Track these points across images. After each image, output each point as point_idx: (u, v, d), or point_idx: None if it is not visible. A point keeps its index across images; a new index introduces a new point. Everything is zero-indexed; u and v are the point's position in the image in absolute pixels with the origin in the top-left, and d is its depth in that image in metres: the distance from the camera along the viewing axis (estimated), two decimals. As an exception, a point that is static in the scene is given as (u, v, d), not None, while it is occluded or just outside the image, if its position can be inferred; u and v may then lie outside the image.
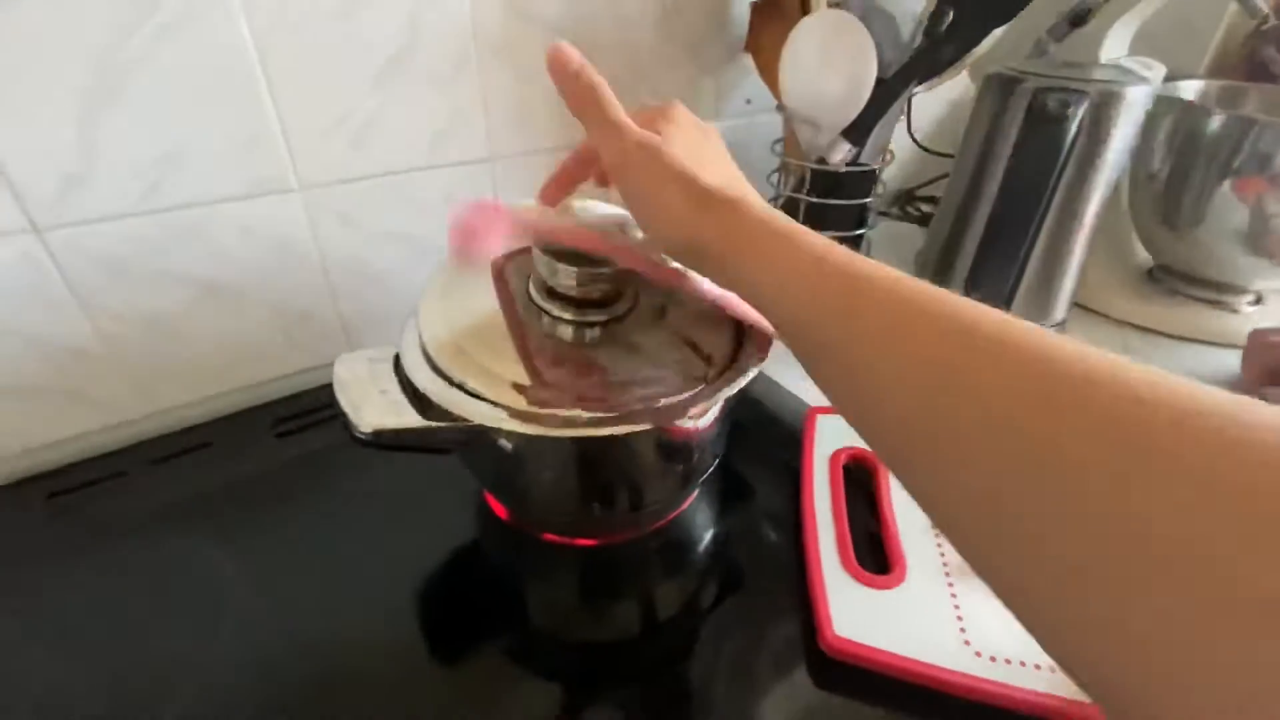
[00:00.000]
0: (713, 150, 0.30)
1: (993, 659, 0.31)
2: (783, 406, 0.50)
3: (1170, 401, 0.14)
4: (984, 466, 0.17)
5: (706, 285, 0.34)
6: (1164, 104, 0.56)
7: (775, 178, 0.57)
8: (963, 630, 0.32)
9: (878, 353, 0.21)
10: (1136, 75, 0.51)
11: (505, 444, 0.32)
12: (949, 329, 0.19)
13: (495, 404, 0.30)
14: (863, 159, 0.50)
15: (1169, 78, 0.62)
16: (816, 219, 0.54)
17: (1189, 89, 0.60)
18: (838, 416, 0.45)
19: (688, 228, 0.26)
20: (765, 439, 0.48)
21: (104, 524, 0.40)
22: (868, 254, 0.58)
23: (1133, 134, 0.49)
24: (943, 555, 0.37)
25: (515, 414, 0.30)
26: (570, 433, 0.29)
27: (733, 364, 0.35)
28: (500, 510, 0.41)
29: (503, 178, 0.53)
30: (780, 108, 0.52)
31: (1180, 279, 0.61)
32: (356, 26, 0.42)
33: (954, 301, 0.20)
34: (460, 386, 0.31)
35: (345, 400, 0.31)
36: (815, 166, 0.51)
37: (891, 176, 0.83)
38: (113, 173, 0.39)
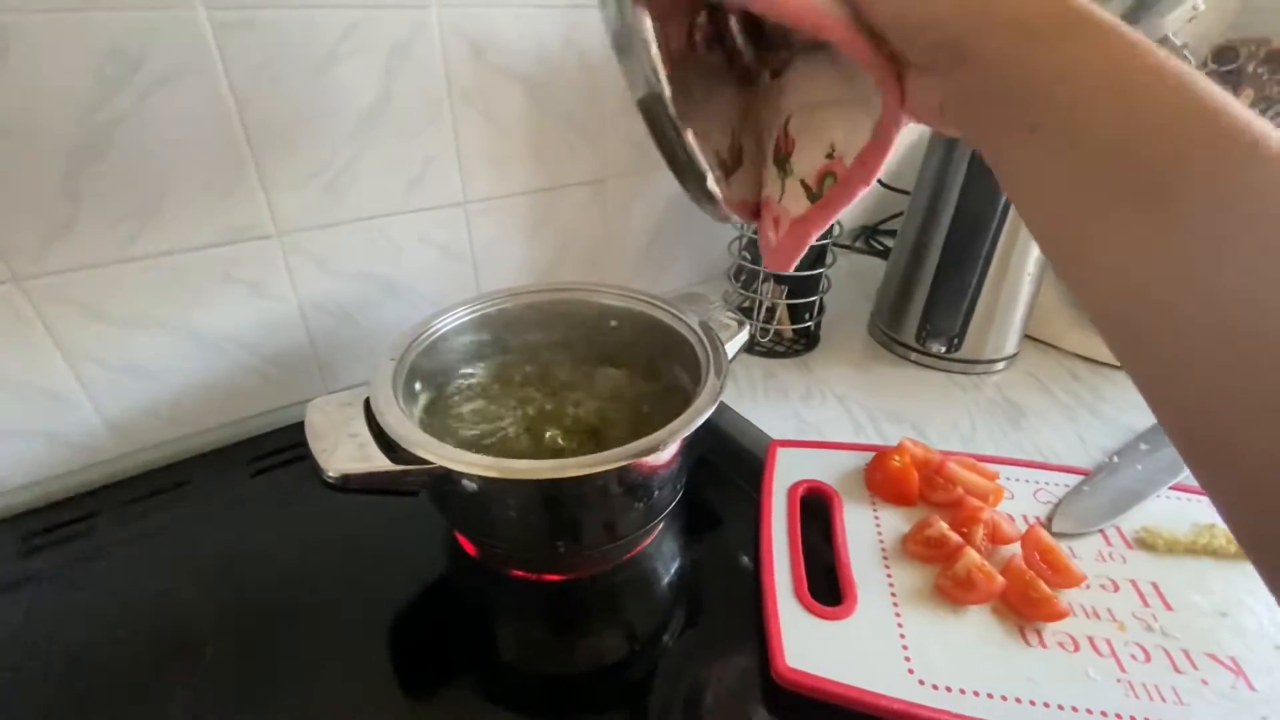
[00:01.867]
0: None
1: (935, 687, 0.33)
2: (746, 438, 0.52)
3: None
4: None
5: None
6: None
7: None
8: (908, 659, 0.34)
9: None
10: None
11: (470, 485, 0.33)
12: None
13: (457, 447, 0.32)
14: (819, 202, 0.53)
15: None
16: (778, 258, 0.56)
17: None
18: (798, 449, 0.48)
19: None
20: (729, 470, 0.50)
21: (79, 564, 0.40)
22: (827, 290, 0.60)
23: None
24: (891, 585, 0.38)
25: (482, 458, 0.31)
26: (534, 475, 0.31)
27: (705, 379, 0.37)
28: (470, 548, 0.42)
29: (476, 221, 0.55)
30: (741, 154, 0.54)
31: (1125, 312, 0.64)
32: (334, 80, 0.44)
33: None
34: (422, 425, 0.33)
35: (316, 445, 0.33)
36: (775, 209, 0.53)
37: (854, 212, 0.87)
38: (94, 223, 0.40)
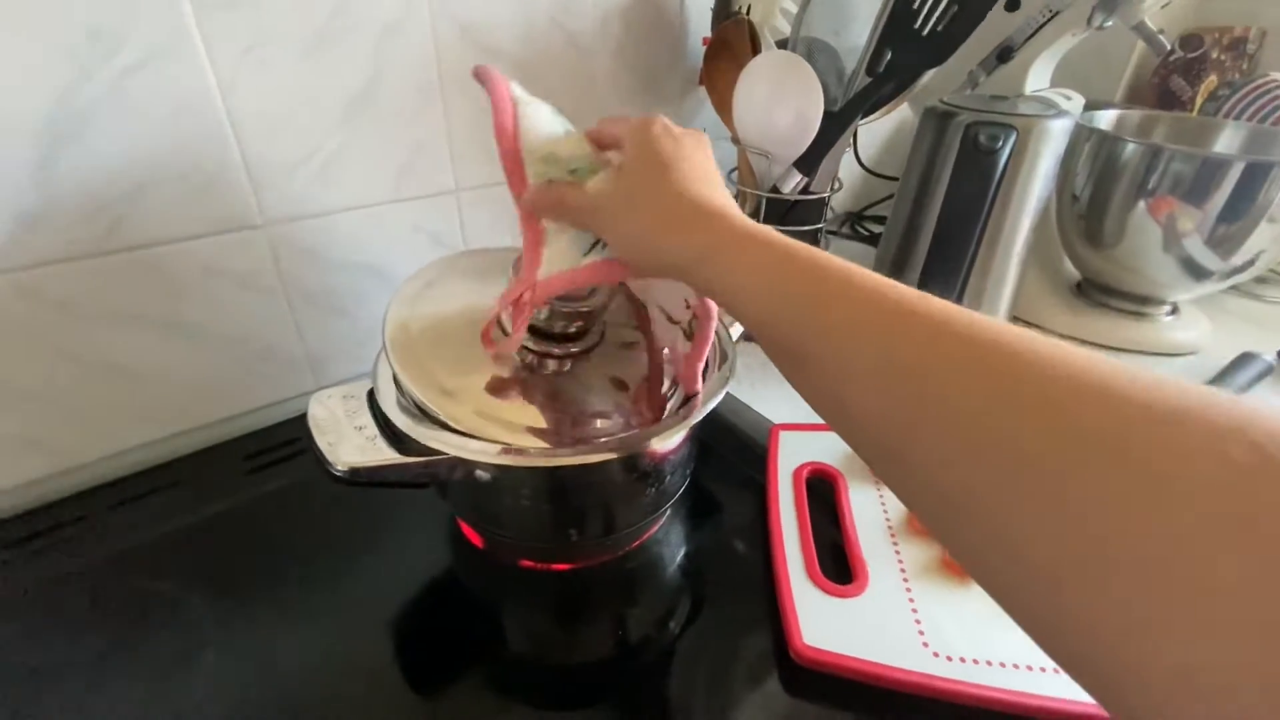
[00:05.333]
0: (690, 157, 0.29)
1: (949, 659, 0.33)
2: (748, 424, 0.52)
3: (1143, 400, 0.14)
4: (957, 468, 0.16)
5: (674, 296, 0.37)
6: (1083, 133, 0.61)
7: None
8: (921, 633, 0.35)
9: (846, 348, 0.20)
10: (1057, 107, 0.55)
11: (483, 475, 0.33)
12: (916, 326, 0.19)
13: (475, 437, 0.32)
14: (813, 187, 0.53)
15: (1088, 106, 0.67)
16: (772, 243, 0.56)
17: (1104, 118, 0.65)
18: (800, 432, 0.49)
19: (673, 243, 0.27)
20: (732, 457, 0.50)
21: (65, 571, 0.39)
22: (821, 275, 0.61)
23: (1055, 161, 0.53)
24: (900, 562, 0.39)
25: (496, 447, 0.31)
26: (549, 463, 0.31)
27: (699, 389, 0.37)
28: (475, 538, 0.41)
29: (469, 208, 0.54)
30: (734, 140, 0.54)
31: (1105, 292, 0.66)
32: (322, 65, 0.43)
33: (922, 299, 0.20)
34: (437, 420, 0.32)
35: (321, 440, 0.32)
36: (769, 195, 0.54)
37: (840, 198, 0.87)
38: (71, 213, 0.38)
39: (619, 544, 0.41)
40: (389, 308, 0.37)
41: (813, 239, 0.57)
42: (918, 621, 0.35)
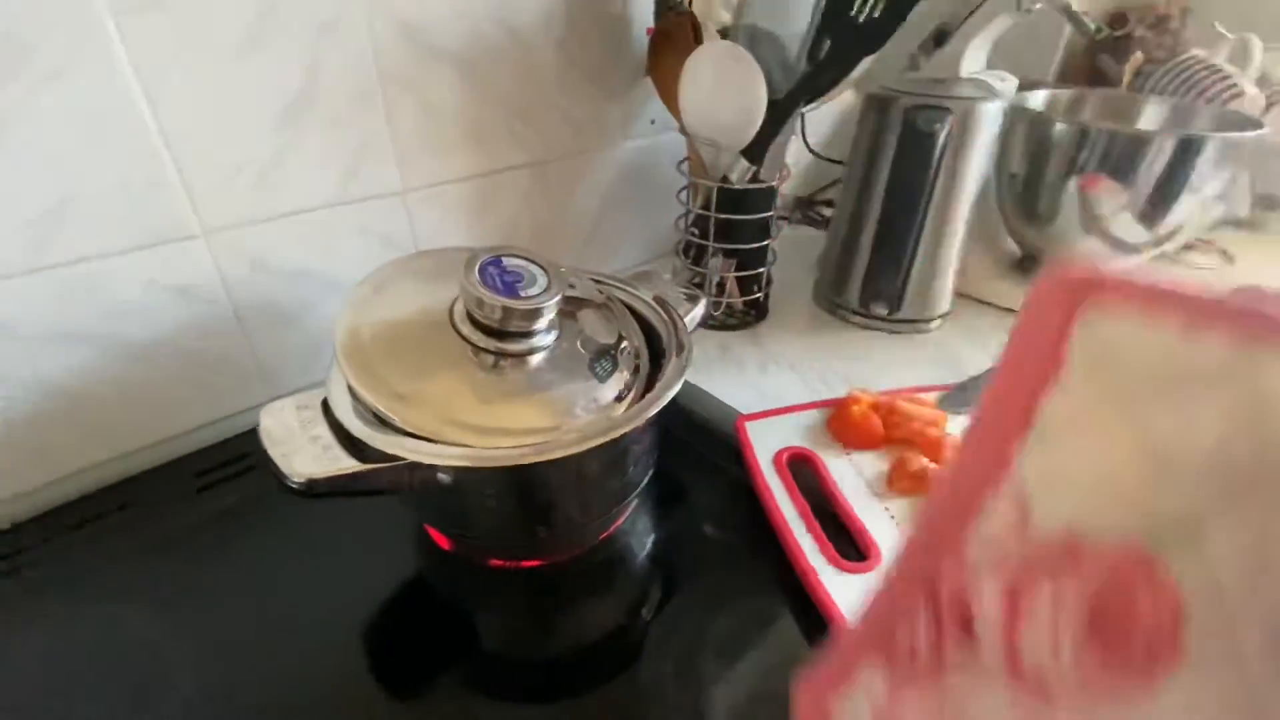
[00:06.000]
0: None
1: None
2: (711, 412, 0.53)
3: None
4: None
5: None
6: (1017, 113, 0.63)
7: (684, 195, 0.60)
8: None
9: None
10: (991, 89, 0.57)
11: (444, 478, 0.33)
12: None
13: (426, 438, 0.31)
14: (762, 175, 0.54)
15: (1022, 87, 0.70)
16: (724, 234, 0.57)
17: (1037, 98, 0.68)
18: (764, 420, 0.50)
19: None
20: (693, 444, 0.51)
21: (12, 605, 0.37)
22: (774, 262, 0.62)
23: (991, 141, 0.55)
24: (890, 514, 0.41)
25: (455, 450, 0.31)
26: (509, 462, 0.31)
27: (657, 378, 0.38)
28: (443, 541, 0.41)
29: (418, 210, 0.53)
30: (682, 130, 0.55)
31: (1044, 266, 0.68)
32: (254, 67, 0.42)
33: None
34: (394, 426, 0.32)
35: (275, 452, 0.31)
36: (719, 185, 0.54)
37: (791, 184, 0.89)
38: (-8, 232, 0.37)
39: (587, 537, 0.41)
40: (339, 313, 0.36)
41: (764, 226, 0.58)
42: None
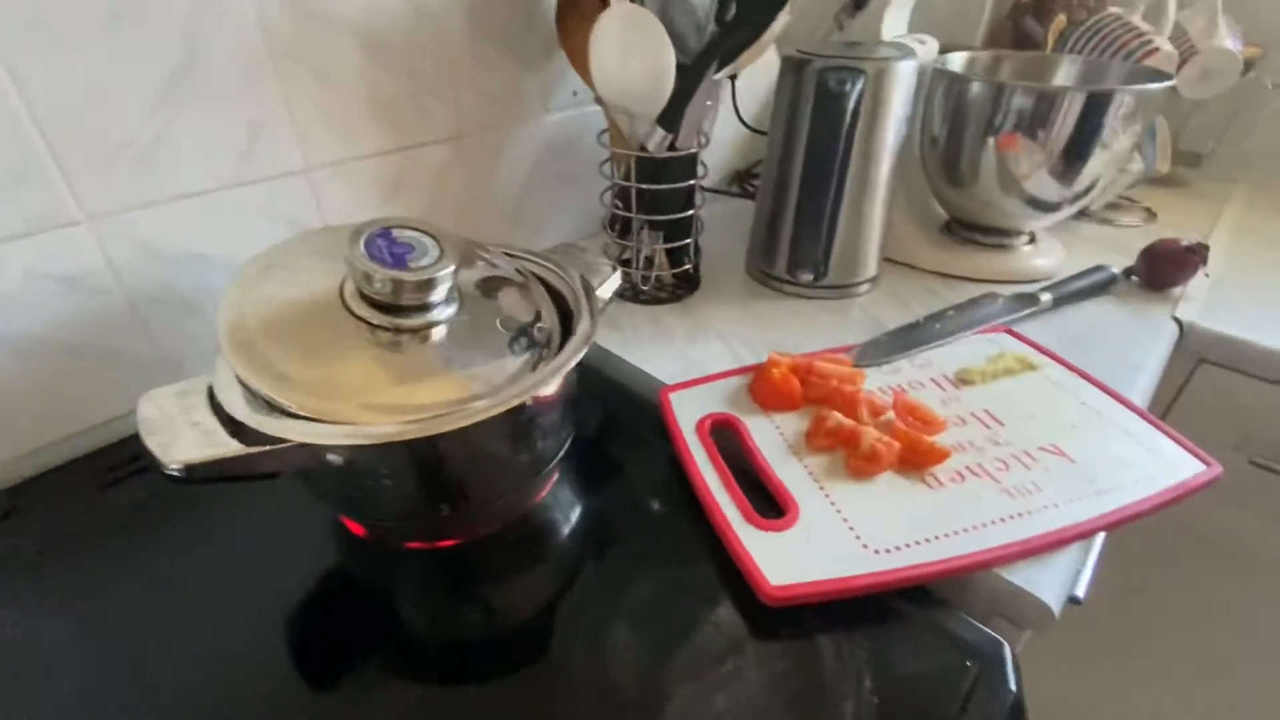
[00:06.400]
0: None
1: (888, 551, 0.36)
2: (637, 384, 0.53)
3: None
4: None
5: None
6: (938, 75, 0.63)
7: (607, 167, 0.59)
8: (858, 537, 0.37)
9: None
10: (909, 50, 0.57)
11: (335, 459, 0.32)
12: None
13: (313, 419, 0.31)
14: (679, 144, 0.53)
15: (945, 49, 0.70)
16: (648, 205, 0.57)
17: (957, 61, 0.68)
18: (688, 389, 0.50)
19: None
20: (623, 417, 0.51)
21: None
22: (701, 231, 0.62)
23: (906, 103, 0.55)
24: (816, 481, 0.41)
25: (338, 428, 0.30)
26: (390, 437, 0.30)
27: (563, 345, 0.37)
28: (356, 528, 0.40)
29: (325, 188, 0.51)
30: (597, 100, 0.54)
31: (969, 229, 0.70)
32: (126, 40, 0.39)
33: None
34: (273, 404, 0.31)
35: (152, 440, 0.30)
36: (638, 154, 0.53)
37: (727, 156, 0.88)
38: None
39: (503, 513, 0.41)
40: (224, 294, 0.35)
41: (688, 196, 0.58)
42: (851, 528, 0.38)
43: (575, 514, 0.43)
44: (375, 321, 0.35)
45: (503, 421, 0.34)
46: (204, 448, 0.30)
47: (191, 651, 0.34)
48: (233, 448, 0.30)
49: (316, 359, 0.33)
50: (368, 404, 0.32)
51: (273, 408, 0.32)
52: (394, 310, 0.35)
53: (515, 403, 0.32)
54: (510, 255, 0.45)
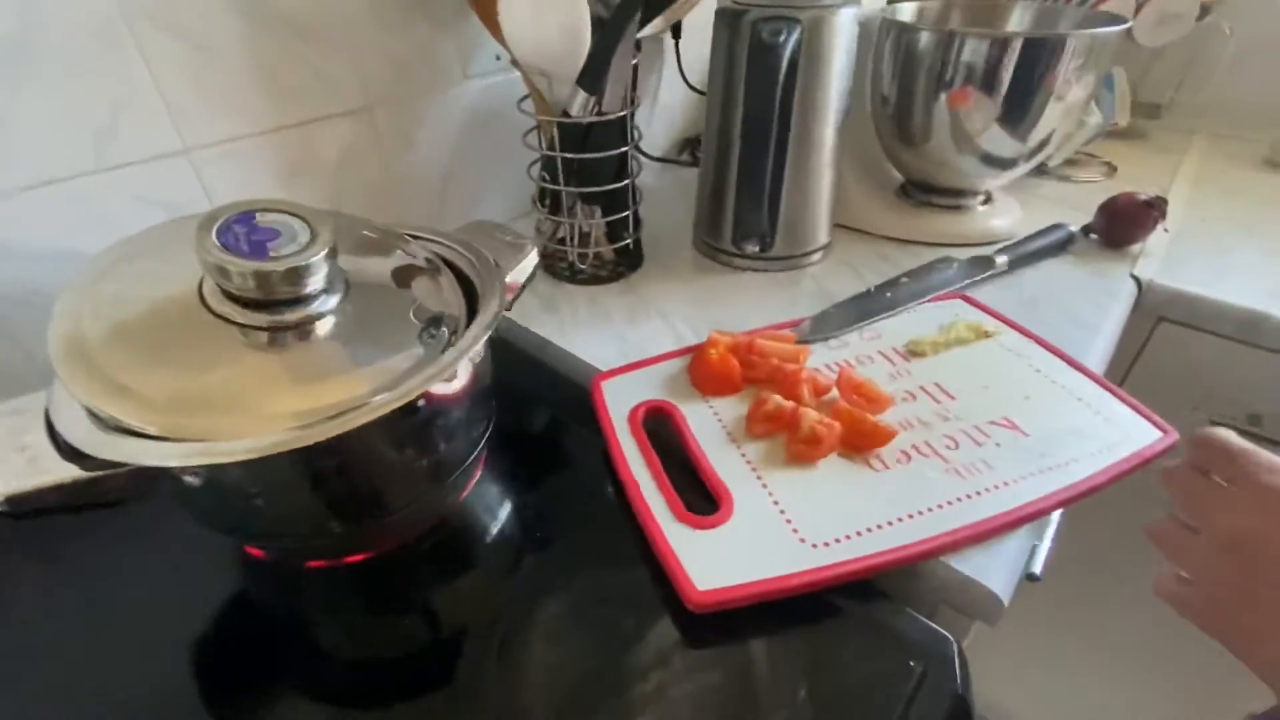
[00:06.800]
0: None
1: (826, 544, 0.33)
2: (570, 371, 0.49)
3: None
4: None
5: None
6: (884, 26, 0.59)
7: (531, 137, 0.55)
8: (795, 531, 0.34)
9: None
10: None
11: (192, 480, 0.28)
12: None
13: (160, 438, 0.26)
14: (607, 106, 0.49)
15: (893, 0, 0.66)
16: (577, 176, 0.52)
17: (906, 10, 0.64)
18: (622, 376, 0.46)
19: None
20: (555, 408, 0.47)
21: None
22: (640, 201, 0.58)
23: (848, 55, 0.51)
24: (754, 470, 0.38)
25: (180, 447, 0.26)
26: (251, 454, 0.26)
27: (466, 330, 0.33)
28: (253, 550, 0.36)
29: (211, 170, 0.46)
30: (514, 63, 0.49)
31: (923, 190, 0.66)
32: (-62, 6, 0.34)
33: None
34: (115, 423, 0.27)
35: (-32, 469, 0.26)
36: (561, 120, 0.49)
37: (676, 123, 0.84)
38: None
39: (413, 522, 0.37)
40: (57, 298, 0.30)
41: (620, 164, 0.54)
42: (788, 521, 0.35)
43: (498, 518, 0.40)
44: (241, 320, 0.30)
45: (391, 425, 0.30)
46: (26, 476, 0.26)
47: (81, 690, 0.31)
48: (61, 474, 0.26)
49: (172, 367, 0.29)
50: (237, 414, 0.28)
51: (119, 427, 0.27)
52: (263, 306, 0.31)
53: (398, 404, 0.28)
54: (415, 237, 0.41)
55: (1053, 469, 0.37)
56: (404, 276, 0.37)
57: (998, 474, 0.37)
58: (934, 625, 0.32)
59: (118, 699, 0.31)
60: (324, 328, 0.32)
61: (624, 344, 0.51)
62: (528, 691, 0.30)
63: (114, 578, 0.36)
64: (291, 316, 0.31)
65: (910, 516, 0.34)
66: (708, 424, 0.42)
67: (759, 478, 0.37)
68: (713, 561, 0.33)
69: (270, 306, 0.31)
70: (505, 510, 0.40)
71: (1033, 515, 0.35)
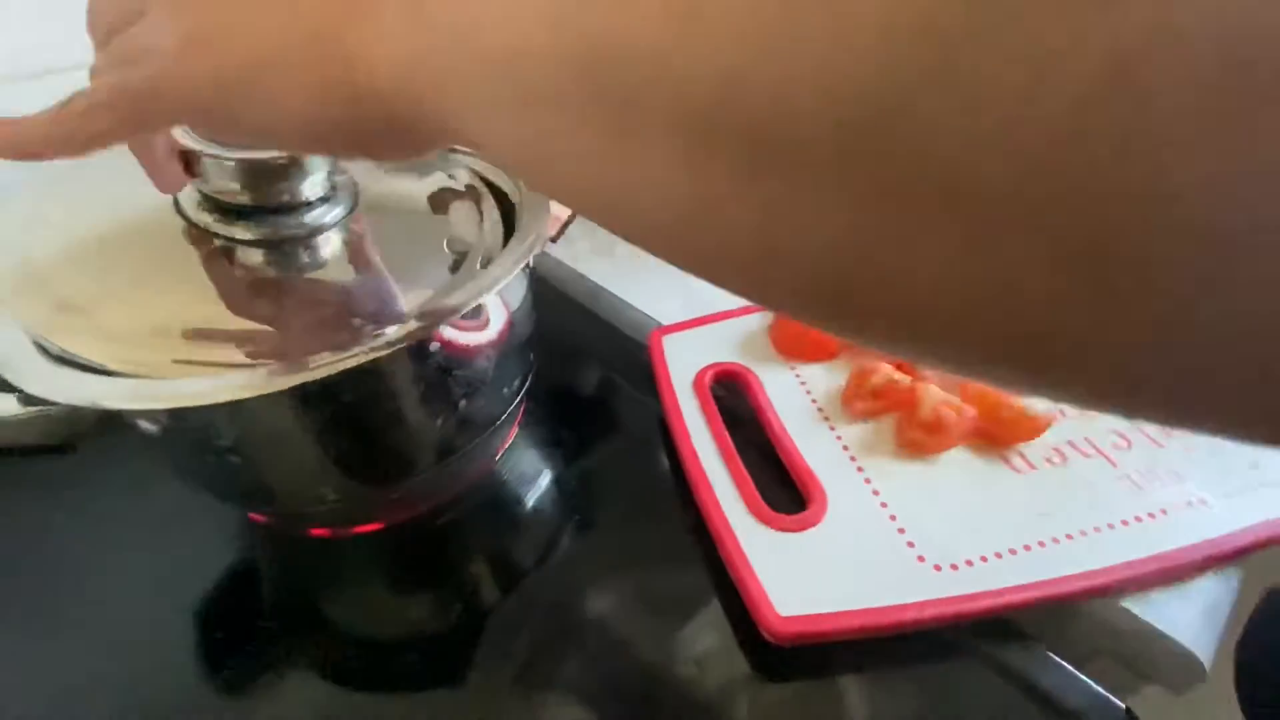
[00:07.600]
0: None
1: (954, 567, 0.25)
2: (625, 324, 0.42)
3: None
4: None
5: None
6: None
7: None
8: (911, 545, 0.26)
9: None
10: None
11: (149, 427, 0.23)
12: None
13: (107, 373, 0.21)
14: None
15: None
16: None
17: None
18: (688, 331, 0.39)
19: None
20: (608, 367, 0.40)
21: None
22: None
23: None
24: (854, 460, 0.30)
25: (123, 385, 0.20)
26: (206, 399, 0.20)
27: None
28: (253, 514, 0.32)
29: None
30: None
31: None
32: None
33: None
34: (68, 357, 0.22)
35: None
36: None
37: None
38: None
39: (427, 493, 0.31)
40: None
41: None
42: (901, 531, 0.27)
43: (530, 494, 0.33)
44: (223, 233, 0.25)
45: (398, 372, 0.24)
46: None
47: (84, 659, 0.27)
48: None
49: (141, 290, 0.24)
50: (208, 348, 0.22)
51: (65, 359, 0.22)
52: (248, 214, 0.25)
53: (389, 348, 0.21)
54: (455, 151, 0.34)
55: (1269, 485, 0.27)
56: (439, 196, 0.30)
57: (1189, 488, 0.27)
58: (1094, 685, 0.24)
59: (117, 662, 0.27)
60: (327, 247, 0.26)
61: (690, 294, 0.43)
62: (561, 700, 0.24)
63: (120, 561, 0.32)
64: (284, 230, 0.25)
65: (1069, 537, 0.26)
66: (793, 396, 0.34)
67: (860, 470, 0.29)
68: (800, 577, 0.25)
69: (262, 214, 0.25)
70: (540, 485, 0.34)
71: (1244, 549, 0.25)
